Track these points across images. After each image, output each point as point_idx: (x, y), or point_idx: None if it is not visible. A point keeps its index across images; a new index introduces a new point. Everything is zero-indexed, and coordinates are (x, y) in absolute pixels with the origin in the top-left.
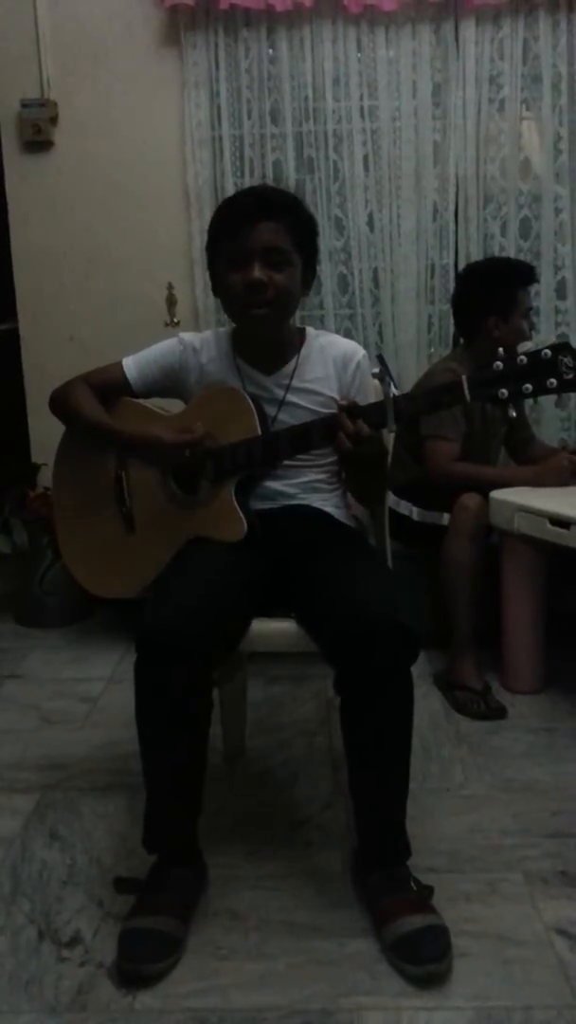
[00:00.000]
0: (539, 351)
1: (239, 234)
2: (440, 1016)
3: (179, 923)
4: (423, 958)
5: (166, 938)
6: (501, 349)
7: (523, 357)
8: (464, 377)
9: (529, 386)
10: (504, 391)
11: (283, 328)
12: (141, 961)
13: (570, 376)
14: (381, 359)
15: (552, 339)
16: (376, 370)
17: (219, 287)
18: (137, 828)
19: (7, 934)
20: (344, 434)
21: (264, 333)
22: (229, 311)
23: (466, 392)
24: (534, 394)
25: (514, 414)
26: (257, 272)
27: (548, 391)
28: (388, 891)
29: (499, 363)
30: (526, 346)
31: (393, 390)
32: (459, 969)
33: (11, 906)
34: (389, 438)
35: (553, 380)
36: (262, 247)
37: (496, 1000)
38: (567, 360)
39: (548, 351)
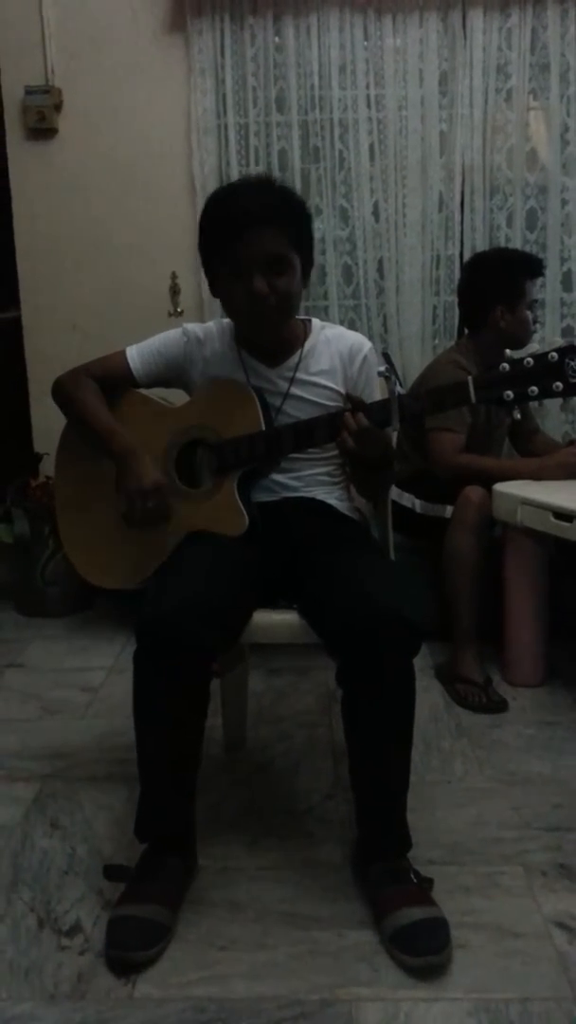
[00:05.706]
0: (546, 354)
1: (235, 245)
2: (438, 1007)
3: (169, 911)
4: (422, 949)
5: (155, 926)
6: (508, 351)
7: (529, 359)
8: (470, 378)
9: (535, 389)
10: (509, 393)
11: (287, 324)
12: (129, 948)
13: None
14: (386, 356)
15: (558, 339)
16: (382, 368)
17: (219, 291)
18: None
19: (7, 922)
20: (348, 432)
21: (268, 337)
22: (231, 316)
23: (472, 393)
24: (539, 397)
25: (519, 416)
26: (258, 284)
27: (554, 394)
28: (388, 883)
29: (505, 365)
30: (532, 347)
31: (398, 388)
32: (458, 961)
33: (11, 894)
34: (392, 436)
35: (559, 383)
36: (261, 257)
37: (494, 992)
38: (574, 363)
39: (555, 354)
